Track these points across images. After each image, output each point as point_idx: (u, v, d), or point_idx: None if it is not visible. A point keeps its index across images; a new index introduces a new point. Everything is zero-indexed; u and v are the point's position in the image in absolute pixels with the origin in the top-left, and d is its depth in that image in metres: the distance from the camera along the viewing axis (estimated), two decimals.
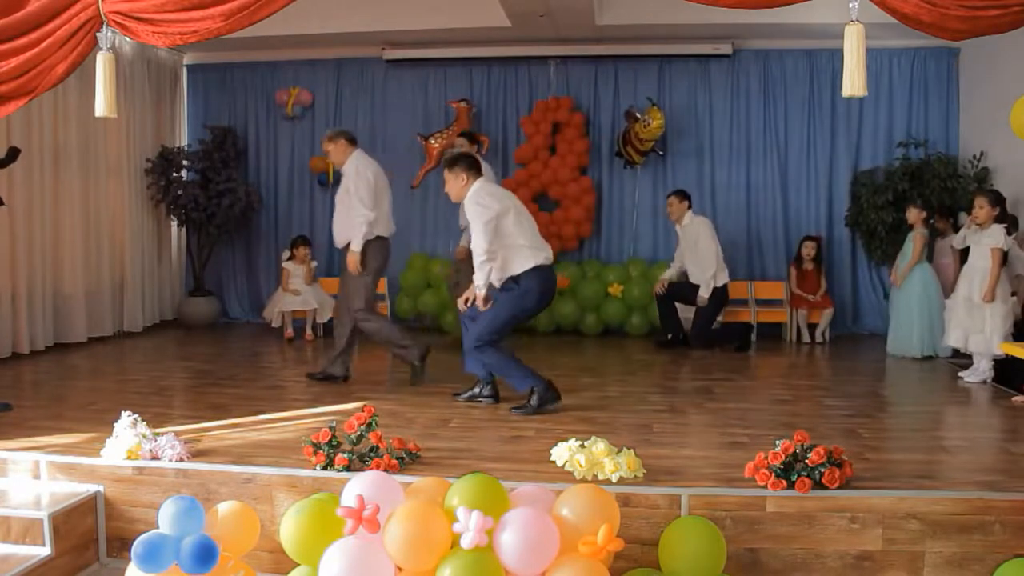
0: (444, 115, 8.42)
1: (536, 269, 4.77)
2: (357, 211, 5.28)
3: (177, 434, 3.87)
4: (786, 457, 3.34)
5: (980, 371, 5.62)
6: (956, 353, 6.18)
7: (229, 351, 7.09)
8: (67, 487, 3.71)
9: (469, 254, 5.37)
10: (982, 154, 7.34)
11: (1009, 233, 5.56)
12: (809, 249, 7.54)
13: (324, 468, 3.58)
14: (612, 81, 8.31)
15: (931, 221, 6.88)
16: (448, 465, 3.70)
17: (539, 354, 6.73)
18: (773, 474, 3.32)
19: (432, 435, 4.23)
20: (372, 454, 3.63)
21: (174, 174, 8.19)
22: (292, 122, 8.65)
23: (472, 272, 4.88)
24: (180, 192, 8.11)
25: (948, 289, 6.28)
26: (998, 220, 5.55)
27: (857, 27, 3.30)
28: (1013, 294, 5.72)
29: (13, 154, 5.13)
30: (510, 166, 8.41)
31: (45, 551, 3.41)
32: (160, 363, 6.50)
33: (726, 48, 7.96)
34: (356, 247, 5.31)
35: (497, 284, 4.78)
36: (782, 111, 8.13)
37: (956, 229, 6.68)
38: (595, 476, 3.44)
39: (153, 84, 8.28)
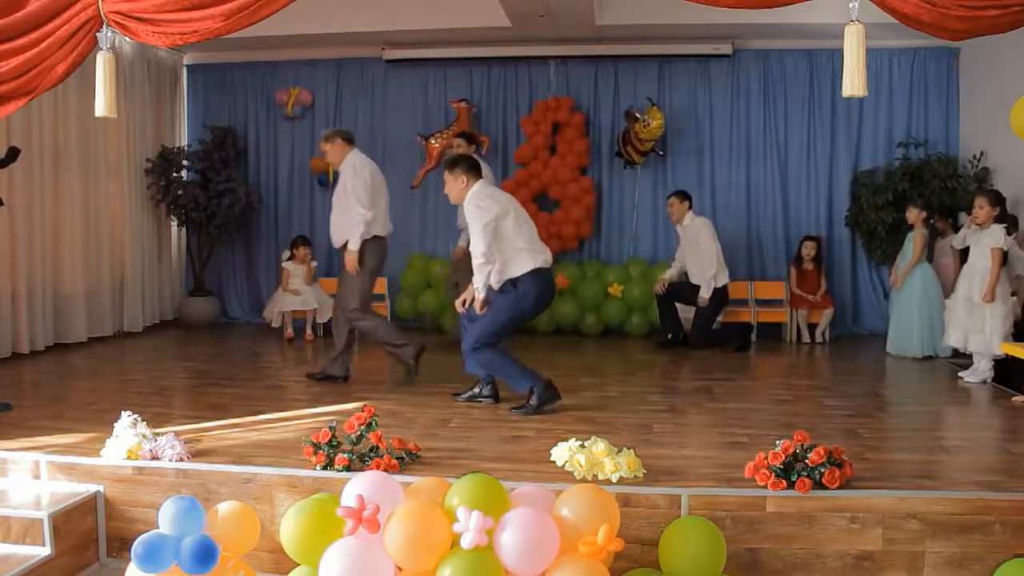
0: (444, 115, 8.42)
1: (534, 272, 4.77)
2: (354, 210, 5.28)
3: (177, 434, 3.87)
4: (786, 457, 3.34)
5: (980, 371, 5.62)
6: (956, 353, 6.18)
7: (229, 351, 7.09)
8: (67, 487, 3.71)
9: (467, 254, 5.38)
10: (982, 154, 7.34)
11: (1009, 233, 5.57)
12: (809, 249, 7.54)
13: (324, 468, 3.58)
14: (612, 81, 8.31)
15: (931, 221, 6.88)
16: (448, 465, 3.70)
17: (539, 354, 6.73)
18: (773, 474, 3.32)
19: (432, 435, 4.23)
20: (372, 454, 3.63)
21: (174, 174, 8.19)
22: (292, 122, 8.66)
23: (470, 272, 4.88)
24: (180, 192, 8.11)
25: (948, 289, 6.28)
26: (998, 220, 5.56)
27: (857, 27, 3.30)
28: (1013, 294, 5.72)
29: (13, 154, 5.13)
30: (510, 166, 8.41)
31: (45, 551, 3.41)
32: (160, 363, 6.50)
33: (726, 48, 7.97)
34: (354, 246, 5.31)
35: (495, 286, 4.78)
36: (782, 111, 8.13)
37: (956, 229, 6.68)
38: (595, 476, 3.44)
39: (153, 84, 8.28)
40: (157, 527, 3.08)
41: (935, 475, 3.62)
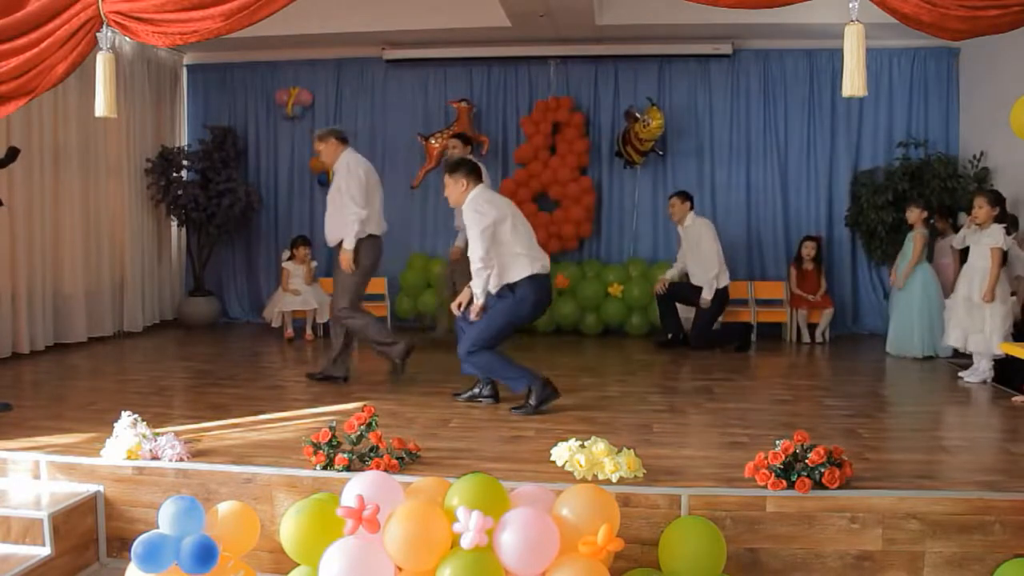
0: (444, 115, 8.42)
1: (532, 278, 4.77)
2: (349, 209, 5.28)
3: (177, 434, 3.87)
4: (786, 457, 3.34)
5: (980, 371, 5.62)
6: (956, 353, 6.18)
7: (229, 351, 7.09)
8: (67, 487, 3.71)
9: (464, 254, 5.37)
10: (982, 154, 7.34)
11: (1009, 233, 5.57)
12: (809, 249, 7.54)
13: (324, 468, 3.58)
14: (612, 81, 8.31)
15: (931, 221, 6.88)
16: (448, 465, 3.70)
17: (539, 354, 6.73)
18: (773, 474, 3.32)
19: (432, 435, 4.23)
20: (372, 454, 3.63)
21: (174, 174, 8.19)
22: (292, 122, 8.66)
23: (467, 272, 4.88)
24: (180, 192, 8.11)
25: (948, 289, 6.28)
26: (998, 220, 5.56)
27: (857, 27, 3.30)
28: (1013, 294, 5.72)
29: (13, 154, 5.13)
30: (510, 166, 8.41)
31: (45, 551, 3.41)
32: (160, 363, 6.50)
33: (726, 48, 7.96)
34: (349, 245, 5.31)
35: (493, 291, 4.78)
36: (782, 111, 8.13)
37: (956, 229, 6.68)
38: (595, 476, 3.44)
39: (153, 84, 8.28)
40: (157, 527, 3.08)
41: (935, 475, 3.62)
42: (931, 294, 6.55)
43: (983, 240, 5.56)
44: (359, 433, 3.68)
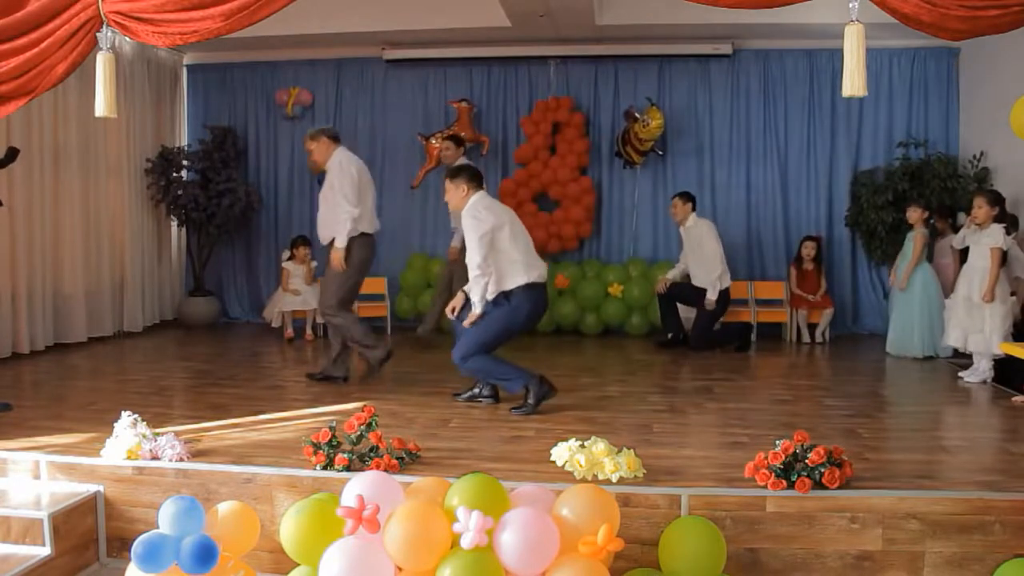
0: (444, 115, 8.42)
1: (528, 286, 4.77)
2: (342, 208, 5.28)
3: (177, 434, 3.87)
4: (786, 457, 3.34)
5: (980, 371, 5.62)
6: (956, 353, 6.18)
7: (229, 351, 7.09)
8: (67, 487, 3.71)
9: (461, 254, 5.37)
10: (982, 154, 7.34)
11: (1008, 233, 5.57)
12: (809, 249, 7.54)
13: (324, 468, 3.58)
14: (612, 81, 8.31)
15: (931, 221, 6.88)
16: (448, 465, 3.70)
17: (539, 354, 6.73)
18: (773, 474, 3.32)
19: (432, 435, 4.23)
20: (372, 454, 3.63)
21: (174, 174, 8.19)
22: (292, 122, 8.65)
23: (465, 273, 4.87)
24: (180, 192, 8.11)
25: (948, 289, 6.28)
26: (997, 220, 5.56)
27: (857, 27, 3.30)
28: (1013, 294, 5.72)
29: (12, 154, 5.13)
30: (510, 166, 8.41)
31: (45, 551, 3.41)
32: (160, 363, 6.50)
33: (726, 48, 7.96)
34: (340, 244, 5.30)
35: (489, 298, 4.77)
36: (782, 111, 8.13)
37: (955, 229, 6.68)
38: (595, 476, 3.44)
39: (153, 84, 8.28)
40: (157, 527, 3.08)
41: (935, 475, 3.62)
42: (931, 294, 6.55)
43: (983, 240, 5.56)
44: (359, 433, 3.68)
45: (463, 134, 8.02)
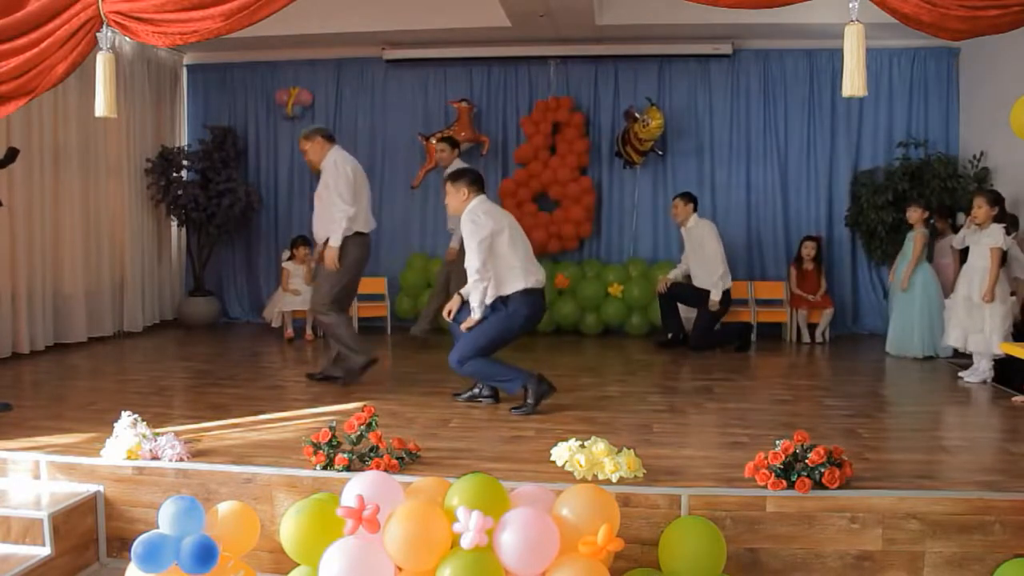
0: (444, 115, 8.42)
1: (526, 292, 4.77)
2: (337, 207, 5.27)
3: (177, 434, 3.87)
4: (786, 457, 3.34)
5: (980, 371, 5.62)
6: (956, 353, 6.18)
7: (229, 351, 7.09)
8: (67, 487, 3.71)
9: (460, 254, 5.37)
10: (982, 154, 7.34)
11: (1008, 233, 5.57)
12: (809, 249, 7.54)
13: (324, 468, 3.58)
14: (612, 81, 8.31)
15: (931, 221, 6.88)
16: (448, 465, 3.70)
17: (539, 354, 6.74)
18: (773, 474, 3.32)
19: (432, 435, 4.23)
20: (372, 454, 3.63)
21: (174, 174, 8.19)
22: (292, 122, 8.65)
23: (462, 274, 4.87)
24: (180, 192, 8.11)
25: (948, 289, 6.28)
26: (997, 220, 5.56)
27: (857, 27, 3.30)
28: (1013, 294, 5.72)
29: (12, 155, 5.13)
30: (510, 166, 8.41)
31: (45, 551, 3.41)
32: (160, 363, 6.50)
33: (726, 48, 7.96)
34: (335, 243, 5.29)
35: (487, 303, 4.77)
36: (782, 111, 8.13)
37: (955, 229, 6.68)
38: (595, 476, 3.44)
39: (153, 84, 8.28)
40: (157, 527, 3.08)
41: (935, 475, 3.62)
42: (931, 294, 6.55)
43: (983, 240, 5.57)
44: (359, 433, 3.68)
45: (462, 133, 8.04)
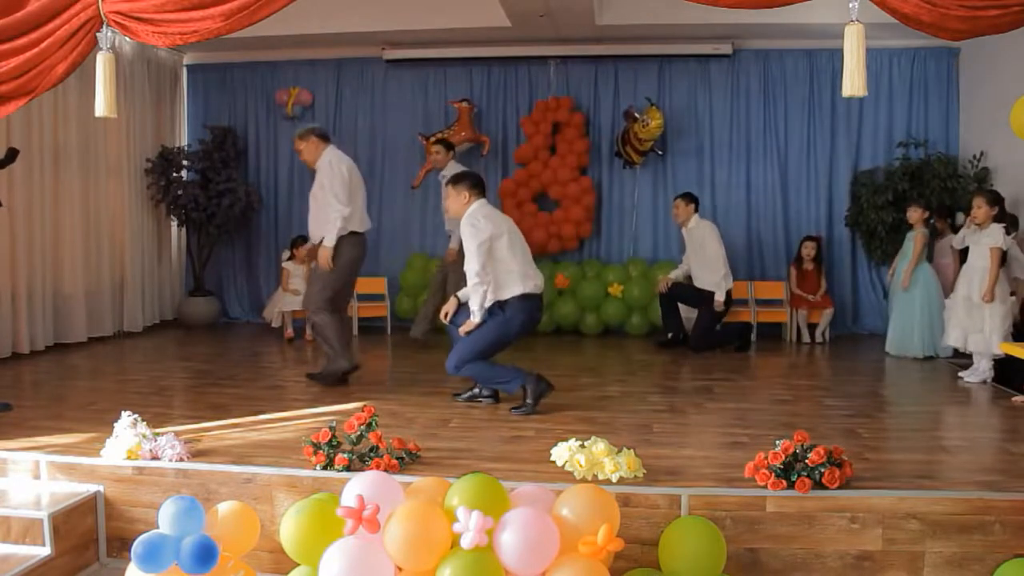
0: (444, 115, 8.42)
1: (524, 297, 4.77)
2: (332, 207, 5.26)
3: (177, 434, 3.87)
4: (786, 457, 3.34)
5: (980, 371, 5.62)
6: (956, 353, 6.18)
7: (229, 351, 7.09)
8: (67, 487, 3.71)
9: (459, 255, 5.37)
10: (982, 154, 7.34)
11: (1008, 233, 5.57)
12: (809, 249, 7.54)
13: (324, 468, 3.58)
14: (612, 81, 8.31)
15: (931, 221, 6.88)
16: (448, 465, 3.70)
17: (539, 354, 6.74)
18: (773, 474, 3.32)
19: (432, 435, 4.23)
20: (372, 454, 3.63)
21: (174, 174, 8.19)
22: (292, 122, 8.64)
23: (459, 275, 4.86)
24: (180, 192, 8.11)
25: (948, 289, 6.28)
26: (997, 220, 5.56)
27: (857, 27, 3.30)
28: (1012, 294, 5.72)
29: (12, 155, 5.13)
30: (510, 166, 8.41)
31: (45, 551, 3.41)
32: (160, 363, 6.50)
33: (726, 48, 7.96)
34: (329, 242, 5.29)
35: (485, 306, 4.78)
36: (782, 111, 8.13)
37: (955, 229, 6.68)
38: (595, 476, 3.44)
39: (153, 84, 8.28)
40: (157, 527, 3.08)
41: (935, 475, 3.62)
42: (931, 294, 6.55)
43: (983, 240, 5.57)
44: (359, 433, 3.68)
45: (463, 133, 8.03)
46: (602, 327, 7.93)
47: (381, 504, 2.80)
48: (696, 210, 7.18)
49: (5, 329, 6.34)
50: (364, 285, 8.06)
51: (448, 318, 4.96)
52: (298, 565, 3.04)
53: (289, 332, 7.59)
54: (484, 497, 2.84)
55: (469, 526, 2.70)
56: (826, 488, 3.30)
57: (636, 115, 7.61)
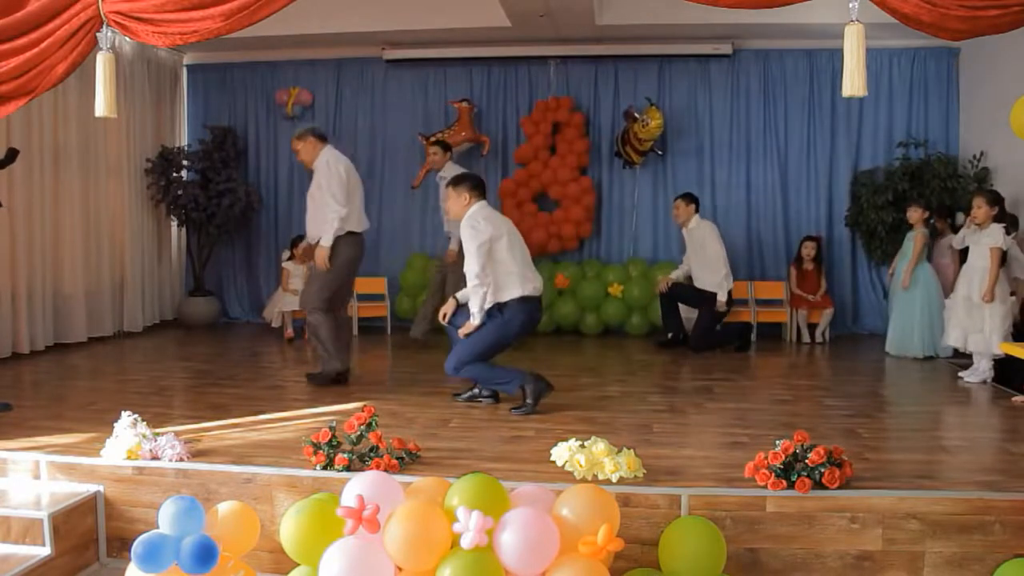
0: (444, 115, 8.42)
1: (523, 299, 4.77)
2: (330, 207, 5.26)
3: (177, 434, 3.87)
4: (786, 457, 3.34)
5: (980, 371, 5.62)
6: (956, 353, 6.18)
7: (229, 351, 7.09)
8: (67, 487, 3.71)
9: (459, 256, 5.37)
10: (982, 154, 7.34)
11: (1008, 233, 5.57)
12: (809, 249, 7.54)
13: (324, 468, 3.58)
14: (612, 81, 8.31)
15: (931, 221, 6.88)
16: (448, 465, 3.70)
17: (539, 354, 6.74)
18: (773, 474, 3.32)
19: (432, 435, 4.23)
20: (372, 454, 3.63)
21: (174, 174, 8.19)
22: (292, 122, 8.63)
23: (458, 276, 4.86)
24: (180, 192, 8.11)
25: (947, 289, 6.28)
26: (997, 220, 5.56)
27: (857, 27, 3.30)
28: (1012, 294, 5.72)
29: (12, 155, 5.13)
30: (510, 166, 8.41)
31: (45, 551, 3.41)
32: (160, 363, 6.50)
33: (726, 48, 7.96)
34: (326, 243, 5.29)
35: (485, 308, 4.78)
36: (782, 111, 8.13)
37: (954, 229, 6.68)
38: (595, 476, 3.44)
39: (153, 84, 8.28)
40: (157, 527, 3.08)
41: (935, 475, 3.62)
42: (931, 294, 6.55)
43: (983, 240, 5.57)
44: (359, 433, 3.68)
45: (463, 133, 8.03)
46: (602, 327, 7.93)
47: (381, 504, 2.80)
48: (697, 210, 7.18)
49: (5, 329, 6.34)
50: (364, 285, 8.07)
51: (447, 319, 4.96)
52: (298, 565, 3.04)
53: (289, 332, 7.59)
54: (484, 497, 2.84)
55: (469, 526, 2.70)
56: (826, 488, 3.30)
57: (636, 115, 7.61)
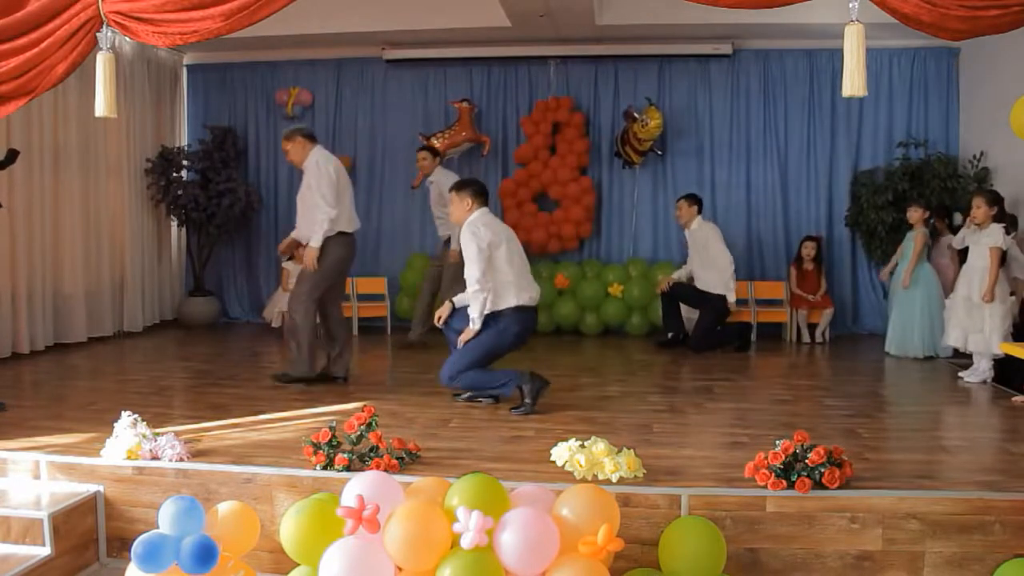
0: (444, 115, 8.42)
1: (519, 309, 4.78)
2: (320, 208, 5.25)
3: (177, 434, 3.87)
4: (786, 457, 3.34)
5: (980, 371, 5.62)
6: (956, 353, 6.18)
7: (229, 351, 7.09)
8: (67, 487, 3.71)
9: (460, 257, 5.36)
10: (982, 154, 7.34)
11: (1008, 233, 5.57)
12: (809, 249, 7.54)
13: (324, 468, 3.58)
14: (612, 81, 8.31)
15: (931, 221, 6.89)
16: (448, 465, 3.70)
17: (539, 354, 6.73)
18: (773, 474, 3.32)
19: (432, 435, 4.23)
20: (372, 454, 3.63)
21: (174, 174, 8.19)
22: (292, 122, 8.62)
23: (458, 277, 4.85)
24: (180, 192, 8.11)
25: (947, 289, 6.29)
26: (996, 219, 5.56)
27: (857, 27, 3.30)
28: (1012, 294, 5.72)
29: (12, 156, 5.13)
30: (510, 166, 8.41)
31: (45, 551, 3.41)
32: (160, 363, 6.50)
33: (726, 48, 7.97)
34: (315, 243, 5.28)
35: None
36: (782, 111, 8.13)
37: (953, 229, 6.68)
38: (595, 476, 3.44)
39: (153, 84, 8.28)
40: (157, 527, 3.08)
41: (935, 475, 3.62)
42: (931, 294, 6.56)
43: (982, 240, 5.57)
44: (359, 433, 3.68)
45: (463, 133, 8.03)
46: (602, 327, 7.93)
47: (381, 504, 2.80)
48: (699, 211, 7.19)
49: (5, 329, 6.34)
50: (364, 285, 8.08)
51: (443, 322, 4.96)
52: (298, 565, 3.04)
53: None
54: (484, 497, 2.84)
55: (469, 526, 2.70)
56: (826, 488, 3.30)
57: (635, 115, 7.61)
